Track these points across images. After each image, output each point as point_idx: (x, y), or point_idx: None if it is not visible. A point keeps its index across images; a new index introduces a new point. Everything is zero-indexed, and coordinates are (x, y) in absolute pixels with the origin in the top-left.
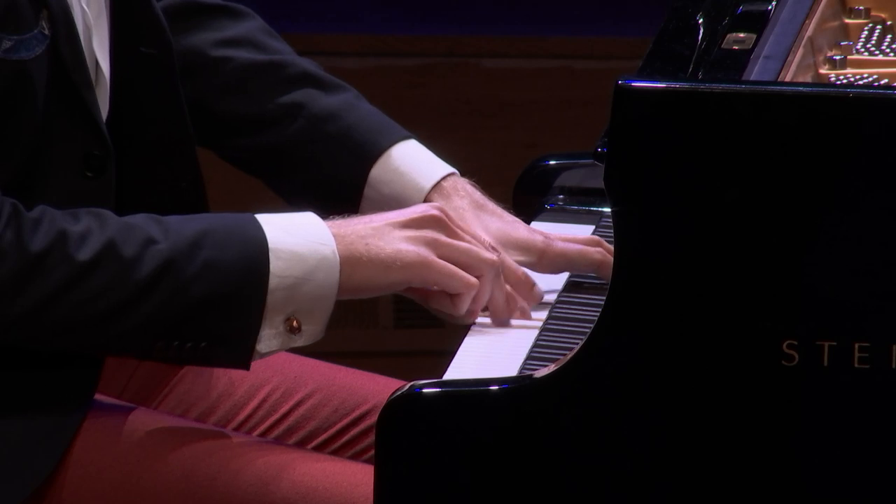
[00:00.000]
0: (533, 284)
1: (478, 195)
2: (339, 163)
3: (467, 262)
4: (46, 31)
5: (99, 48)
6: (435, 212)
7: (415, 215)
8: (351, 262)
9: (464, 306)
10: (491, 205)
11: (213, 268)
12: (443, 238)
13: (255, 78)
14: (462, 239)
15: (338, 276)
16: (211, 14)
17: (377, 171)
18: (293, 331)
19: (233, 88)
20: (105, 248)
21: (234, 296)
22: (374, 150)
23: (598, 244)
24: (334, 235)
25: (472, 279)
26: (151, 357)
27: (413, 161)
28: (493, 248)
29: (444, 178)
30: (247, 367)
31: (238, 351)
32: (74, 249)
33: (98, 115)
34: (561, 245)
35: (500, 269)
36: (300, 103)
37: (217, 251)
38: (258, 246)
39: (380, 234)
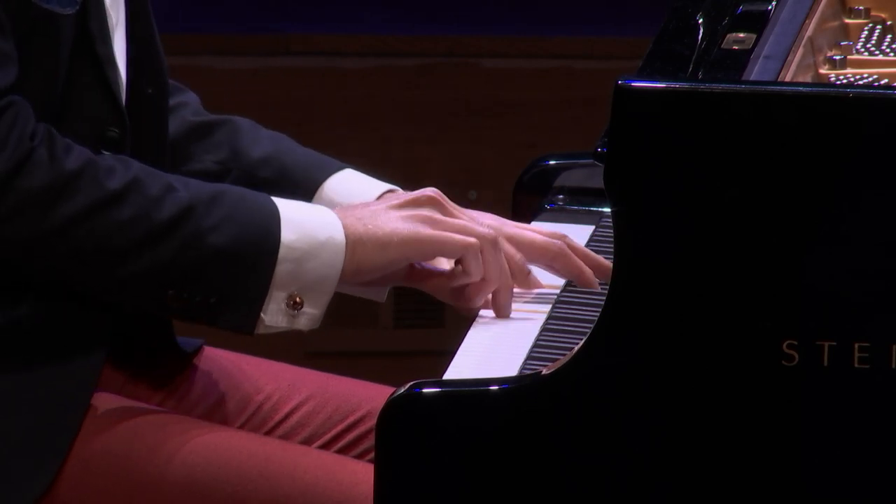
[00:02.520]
0: (528, 272)
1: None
2: None
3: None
4: None
5: (118, 51)
6: (431, 192)
7: (411, 197)
8: (351, 243)
9: (473, 269)
10: None
11: (230, 223)
12: (438, 215)
13: (192, 139)
14: (458, 217)
15: (343, 256)
16: None
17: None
18: (295, 306)
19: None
20: (132, 182)
21: (247, 255)
22: (310, 187)
23: (561, 238)
24: (339, 218)
25: (470, 239)
26: (162, 308)
27: (347, 188)
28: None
29: (379, 198)
30: (251, 332)
31: (245, 314)
32: (104, 177)
33: (118, 94)
34: (513, 230)
35: (496, 244)
36: (232, 156)
37: (233, 210)
38: (271, 215)
39: (377, 215)
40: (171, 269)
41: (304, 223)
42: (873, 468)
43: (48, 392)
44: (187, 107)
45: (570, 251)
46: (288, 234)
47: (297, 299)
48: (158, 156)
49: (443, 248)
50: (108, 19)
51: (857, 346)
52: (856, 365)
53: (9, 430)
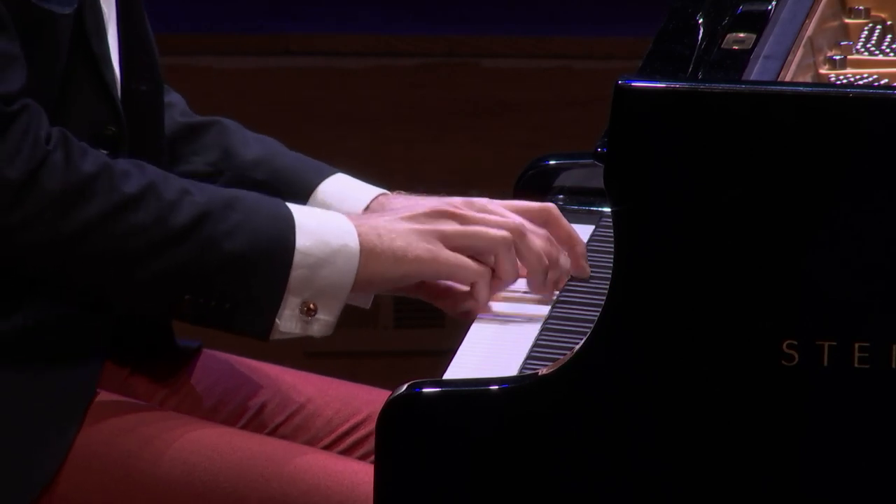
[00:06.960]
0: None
1: (399, 205)
2: None
3: (480, 247)
4: None
5: (111, 49)
6: (445, 206)
7: (425, 210)
8: (365, 252)
9: (482, 295)
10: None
11: (245, 229)
12: (451, 228)
13: (180, 141)
14: (472, 222)
15: (357, 264)
16: None
17: None
18: (309, 313)
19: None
20: (148, 187)
21: (262, 261)
22: (303, 190)
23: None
24: (354, 226)
25: (481, 267)
26: (176, 313)
27: (339, 193)
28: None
29: (369, 204)
30: (266, 337)
31: (260, 319)
32: (120, 181)
33: (114, 92)
34: (503, 202)
35: (511, 244)
36: (225, 157)
37: (248, 216)
38: (286, 220)
39: (392, 227)
40: (187, 273)
41: (318, 230)
42: (873, 468)
43: (48, 392)
44: (174, 107)
45: (560, 216)
46: (303, 241)
47: (311, 305)
48: (156, 153)
49: (456, 273)
50: (103, 15)
51: (857, 346)
52: (856, 365)
53: (8, 428)
